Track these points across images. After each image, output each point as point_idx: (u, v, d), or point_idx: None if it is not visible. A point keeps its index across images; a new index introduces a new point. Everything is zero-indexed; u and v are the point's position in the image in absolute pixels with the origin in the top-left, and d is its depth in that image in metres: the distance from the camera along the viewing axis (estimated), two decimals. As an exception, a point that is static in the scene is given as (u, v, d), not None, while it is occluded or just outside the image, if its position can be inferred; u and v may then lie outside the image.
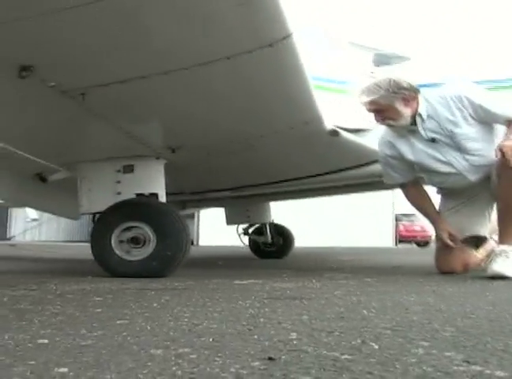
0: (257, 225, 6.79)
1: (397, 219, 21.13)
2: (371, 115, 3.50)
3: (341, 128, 3.65)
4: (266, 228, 6.66)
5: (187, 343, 1.27)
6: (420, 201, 3.73)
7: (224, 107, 3.06)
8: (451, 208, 3.68)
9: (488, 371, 1.01)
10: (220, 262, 5.69)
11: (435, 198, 3.84)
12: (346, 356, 1.13)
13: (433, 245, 3.97)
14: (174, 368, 1.03)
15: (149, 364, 1.07)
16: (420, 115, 3.37)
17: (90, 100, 2.71)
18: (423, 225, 21.62)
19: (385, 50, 4.91)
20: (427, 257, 5.16)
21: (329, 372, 1.01)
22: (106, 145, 3.49)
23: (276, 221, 6.84)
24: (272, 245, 6.68)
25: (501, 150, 3.03)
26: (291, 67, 2.66)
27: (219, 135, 3.45)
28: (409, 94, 3.36)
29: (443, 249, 3.59)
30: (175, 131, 3.36)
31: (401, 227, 21.93)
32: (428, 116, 3.37)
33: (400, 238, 21.34)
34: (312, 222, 16.36)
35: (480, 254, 3.62)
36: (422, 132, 3.39)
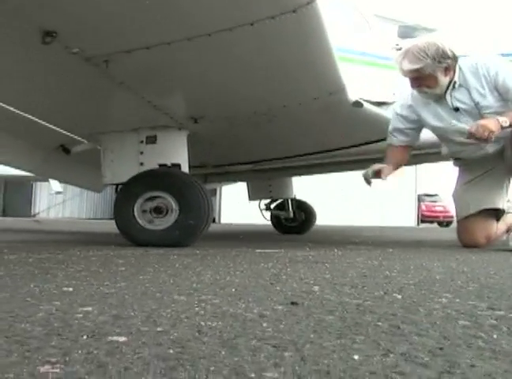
0: (279, 200, 6.78)
1: (420, 199, 21.00)
2: (406, 81, 3.40)
3: (365, 100, 3.59)
4: (288, 203, 6.65)
5: (210, 292, 1.28)
6: (390, 153, 3.66)
7: (247, 76, 3.01)
8: (469, 181, 3.61)
9: (513, 315, 1.01)
10: (241, 236, 5.70)
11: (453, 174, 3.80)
12: (369, 303, 1.13)
13: (455, 225, 3.91)
14: (197, 309, 1.04)
15: (173, 305, 1.08)
16: (454, 84, 3.30)
17: (113, 68, 2.69)
18: (445, 205, 21.46)
19: (410, 21, 4.83)
20: (449, 234, 5.13)
21: (353, 313, 1.01)
22: (129, 116, 3.49)
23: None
24: (294, 221, 6.67)
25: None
26: (315, 34, 2.61)
27: (242, 105, 3.41)
28: (451, 63, 3.25)
29: (466, 222, 3.55)
30: (197, 100, 3.34)
31: (424, 207, 21.79)
32: (460, 85, 3.30)
33: (423, 218, 21.22)
34: (335, 201, 16.33)
35: (500, 226, 3.58)
36: (448, 99, 3.32)
